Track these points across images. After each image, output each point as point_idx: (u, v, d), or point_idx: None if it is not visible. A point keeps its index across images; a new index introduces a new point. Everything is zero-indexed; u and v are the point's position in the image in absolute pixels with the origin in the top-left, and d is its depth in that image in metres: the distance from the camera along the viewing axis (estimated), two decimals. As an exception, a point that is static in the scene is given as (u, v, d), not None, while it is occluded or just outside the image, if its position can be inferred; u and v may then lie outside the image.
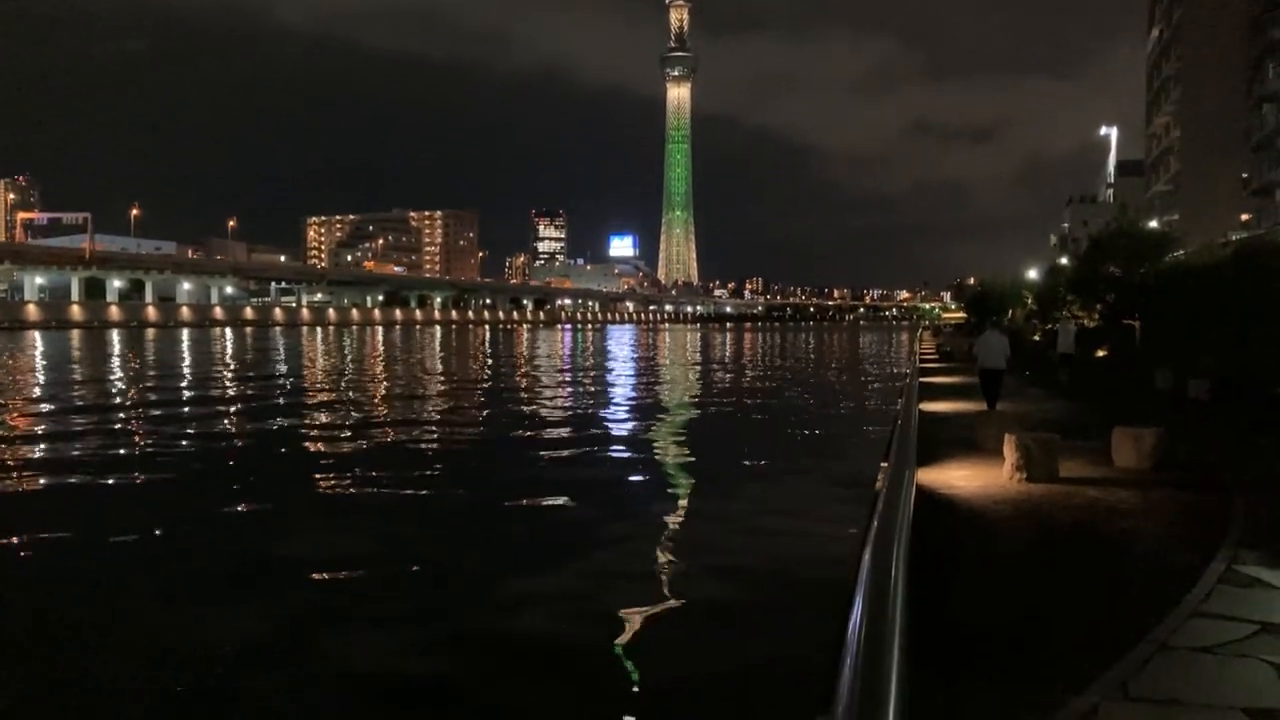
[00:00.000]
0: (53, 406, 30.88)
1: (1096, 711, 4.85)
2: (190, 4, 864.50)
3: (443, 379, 47.11)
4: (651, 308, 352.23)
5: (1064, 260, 79.61)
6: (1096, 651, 5.73)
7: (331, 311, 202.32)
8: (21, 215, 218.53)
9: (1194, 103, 76.97)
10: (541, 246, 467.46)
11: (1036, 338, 63.67)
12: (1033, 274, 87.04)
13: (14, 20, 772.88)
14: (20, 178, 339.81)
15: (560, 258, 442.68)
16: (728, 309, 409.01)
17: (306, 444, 22.98)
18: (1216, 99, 74.77)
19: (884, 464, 7.92)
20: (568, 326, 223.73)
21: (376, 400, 34.38)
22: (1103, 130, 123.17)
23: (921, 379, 29.18)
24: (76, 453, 20.57)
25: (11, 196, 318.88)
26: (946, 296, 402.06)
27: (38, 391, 36.90)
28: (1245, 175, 72.78)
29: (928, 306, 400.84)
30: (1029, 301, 79.58)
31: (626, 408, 32.73)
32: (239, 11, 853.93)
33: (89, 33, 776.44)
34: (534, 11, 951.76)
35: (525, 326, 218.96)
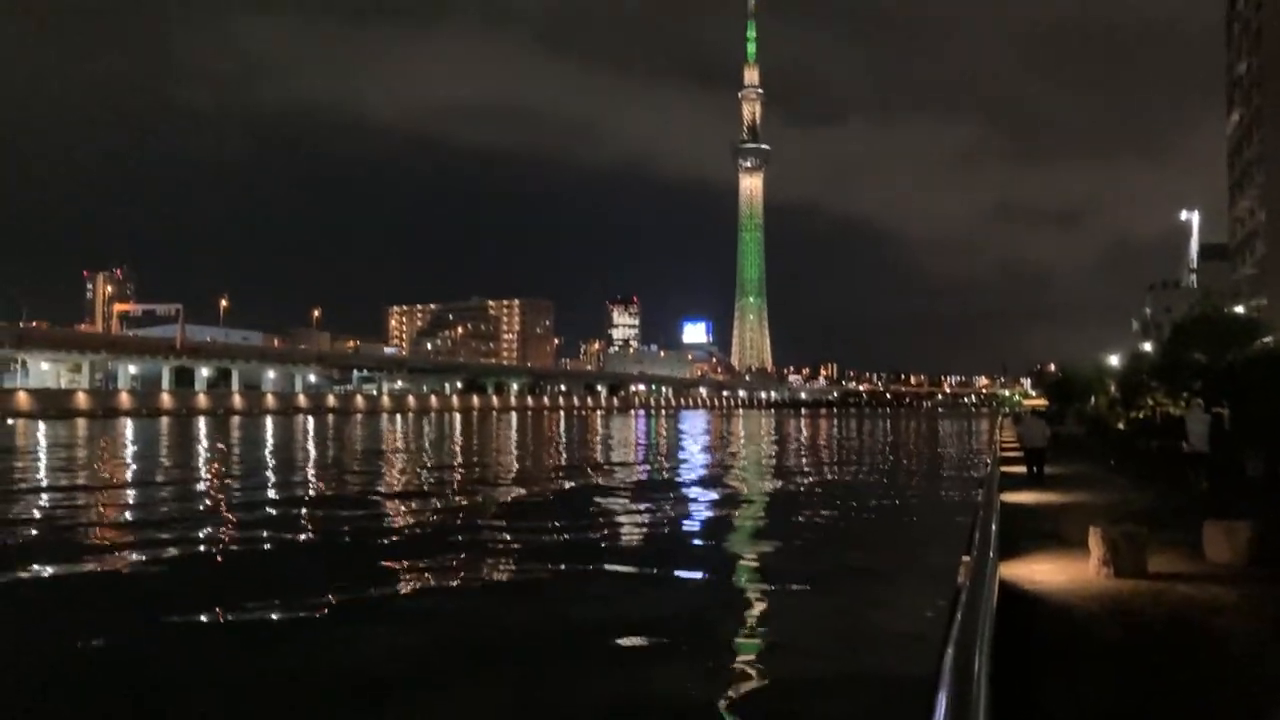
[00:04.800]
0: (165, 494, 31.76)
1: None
2: (289, 104, 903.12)
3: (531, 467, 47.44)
4: (725, 393, 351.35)
5: (1147, 346, 77.96)
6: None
7: (411, 398, 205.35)
8: (118, 307, 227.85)
9: (1280, 185, 75.59)
10: (616, 333, 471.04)
11: (1121, 426, 62.04)
12: (1114, 360, 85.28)
13: (116, 122, 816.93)
14: (118, 270, 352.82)
15: (634, 344, 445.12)
16: (802, 395, 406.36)
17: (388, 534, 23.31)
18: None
19: (965, 557, 7.79)
20: (641, 412, 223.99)
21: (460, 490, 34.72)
22: (1184, 214, 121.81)
23: (1002, 469, 28.62)
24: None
25: (109, 289, 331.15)
26: (1026, 383, 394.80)
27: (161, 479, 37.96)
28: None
29: (1007, 393, 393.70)
30: (1111, 388, 77.88)
31: (706, 504, 32.58)
32: (335, 110, 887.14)
33: (189, 131, 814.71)
34: (622, 106, 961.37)
35: (599, 412, 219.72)
